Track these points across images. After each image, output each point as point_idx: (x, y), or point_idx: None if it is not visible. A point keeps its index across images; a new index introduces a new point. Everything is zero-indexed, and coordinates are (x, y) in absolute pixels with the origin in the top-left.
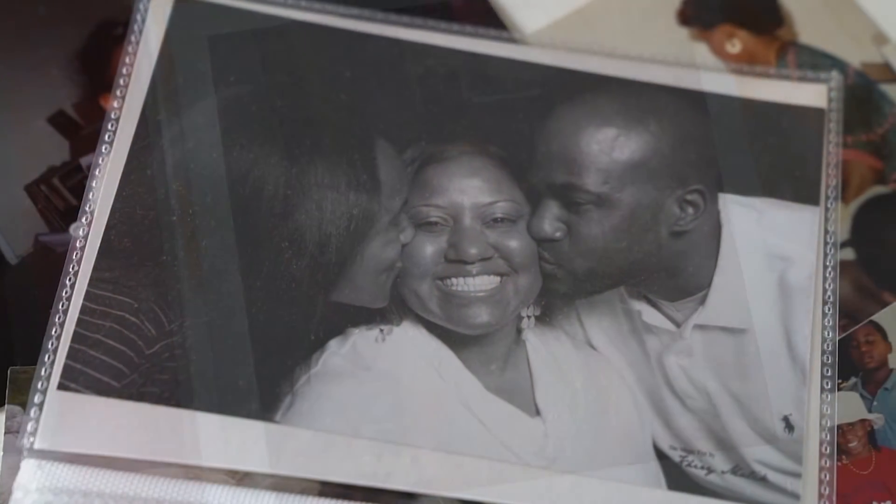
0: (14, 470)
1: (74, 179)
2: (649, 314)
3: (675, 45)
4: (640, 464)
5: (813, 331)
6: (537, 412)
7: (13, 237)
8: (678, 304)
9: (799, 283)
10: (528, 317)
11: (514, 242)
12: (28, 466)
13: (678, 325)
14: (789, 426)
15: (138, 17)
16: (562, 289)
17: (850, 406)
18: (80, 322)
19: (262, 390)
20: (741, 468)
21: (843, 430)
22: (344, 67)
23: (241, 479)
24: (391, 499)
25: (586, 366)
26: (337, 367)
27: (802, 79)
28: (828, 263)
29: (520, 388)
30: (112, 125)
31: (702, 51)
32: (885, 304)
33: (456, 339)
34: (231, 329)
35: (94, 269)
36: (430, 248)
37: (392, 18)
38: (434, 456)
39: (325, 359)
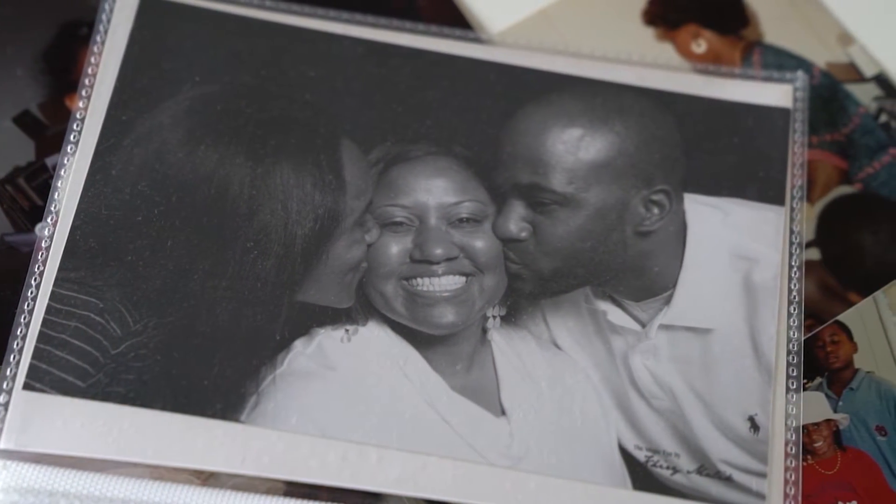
0: None
1: (40, 179)
2: (615, 314)
3: (640, 45)
4: (606, 464)
5: (778, 331)
6: (503, 412)
7: None
8: (643, 304)
9: (764, 283)
10: (494, 317)
11: (480, 242)
12: None
13: (643, 325)
14: (755, 426)
15: (104, 18)
16: (527, 289)
17: (816, 406)
18: (45, 322)
19: (227, 390)
20: (706, 468)
21: (808, 431)
22: (309, 67)
23: (207, 479)
24: (356, 499)
25: (552, 366)
26: (302, 367)
27: (768, 79)
28: (793, 263)
29: (485, 388)
30: (77, 125)
31: (667, 51)
32: (850, 304)
33: (421, 339)
34: (196, 329)
35: (60, 269)
36: (395, 248)
37: (357, 18)
38: (399, 456)
39: (291, 359)
